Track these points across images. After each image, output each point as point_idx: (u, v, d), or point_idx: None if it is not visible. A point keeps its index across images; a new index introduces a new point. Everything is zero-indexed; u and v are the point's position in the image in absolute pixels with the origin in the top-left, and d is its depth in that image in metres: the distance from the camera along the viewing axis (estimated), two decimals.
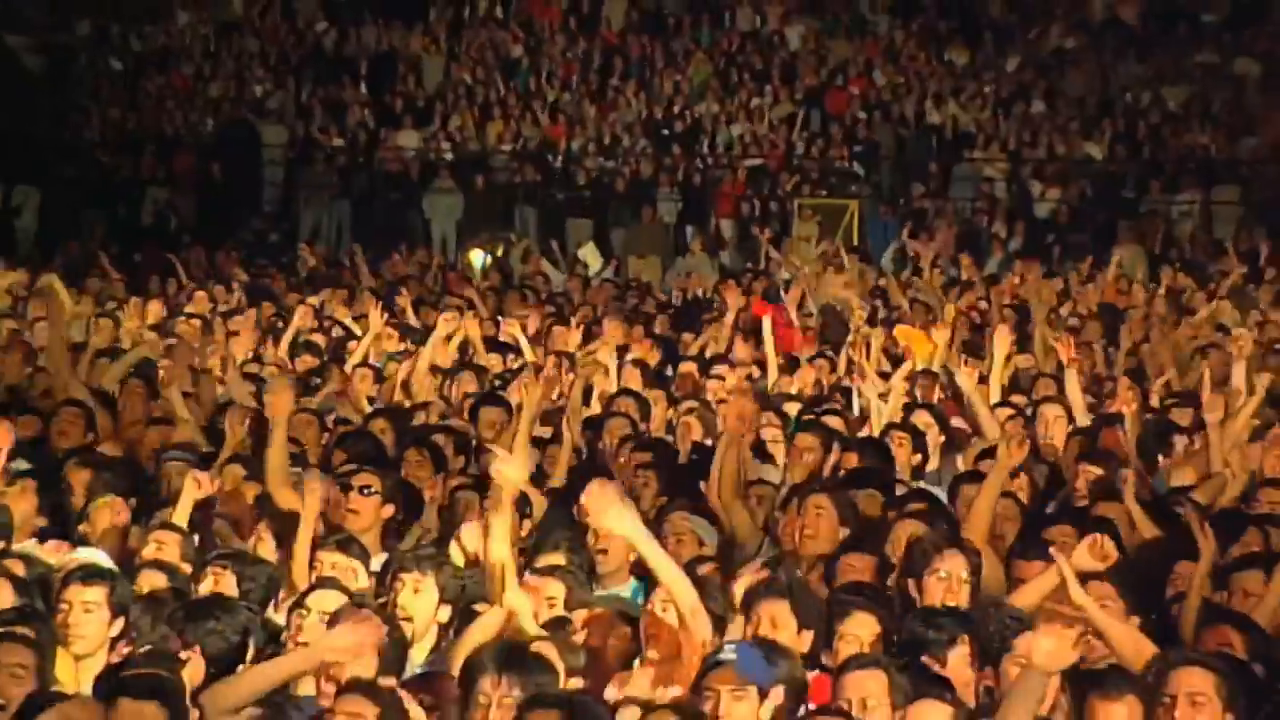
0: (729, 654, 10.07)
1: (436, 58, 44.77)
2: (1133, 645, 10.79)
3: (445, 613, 11.33)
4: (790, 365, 21.58)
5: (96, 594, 11.33)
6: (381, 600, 11.48)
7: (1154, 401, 19.31)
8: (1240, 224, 38.91)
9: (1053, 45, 43.21)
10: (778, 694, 9.69)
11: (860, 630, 10.82)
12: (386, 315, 24.05)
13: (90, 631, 11.10)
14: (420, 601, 11.47)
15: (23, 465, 14.27)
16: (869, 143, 41.96)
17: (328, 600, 10.72)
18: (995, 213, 40.07)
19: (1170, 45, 42.63)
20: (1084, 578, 11.26)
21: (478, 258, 36.90)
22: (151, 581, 11.76)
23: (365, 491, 13.56)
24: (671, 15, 45.14)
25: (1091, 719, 9.80)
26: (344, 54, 45.13)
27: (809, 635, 10.81)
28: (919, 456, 16.45)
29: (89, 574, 11.62)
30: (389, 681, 9.92)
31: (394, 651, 10.34)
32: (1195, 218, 39.36)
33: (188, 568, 12.39)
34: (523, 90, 43.89)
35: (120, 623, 11.29)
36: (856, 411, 18.96)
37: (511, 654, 10.10)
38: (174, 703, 9.50)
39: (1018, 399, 18.91)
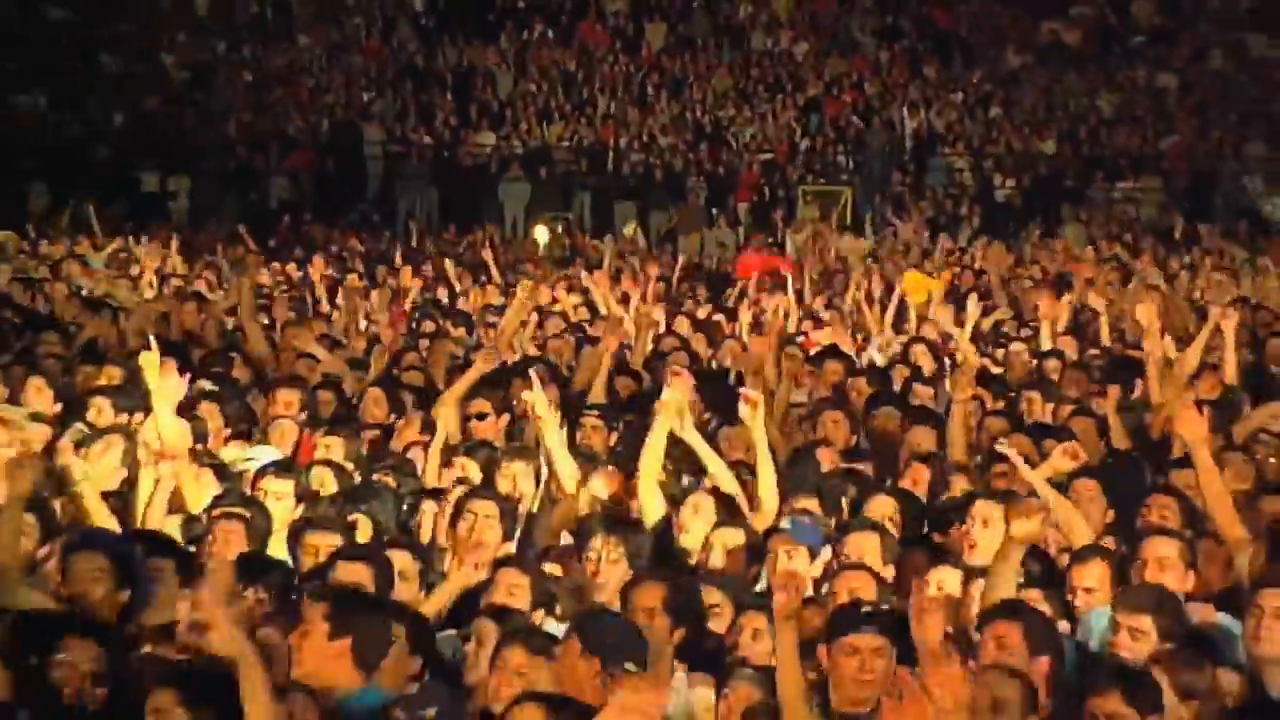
0: (786, 525, 10.43)
1: (507, 72, 44.52)
2: (1080, 524, 10.81)
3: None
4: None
5: (287, 485, 11.46)
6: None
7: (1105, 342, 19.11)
8: (1161, 207, 39.02)
9: (1009, 63, 43.07)
10: (825, 554, 9.90)
11: (882, 509, 10.99)
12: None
13: (280, 516, 11.04)
14: (526, 484, 11.51)
15: (208, 386, 14.13)
16: (859, 141, 41.88)
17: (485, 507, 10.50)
18: (962, 198, 39.99)
19: (1104, 62, 42.52)
20: (1069, 476, 11.44)
21: (542, 233, 36.94)
22: (322, 478, 11.72)
23: (482, 417, 13.54)
24: (700, 37, 44.87)
25: (1072, 580, 9.64)
26: (433, 69, 44.81)
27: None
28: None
29: (281, 468, 11.75)
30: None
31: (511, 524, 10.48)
32: (1125, 202, 39.47)
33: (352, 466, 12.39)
34: (578, 98, 43.62)
35: (301, 507, 11.38)
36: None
37: (613, 520, 10.33)
38: (379, 562, 9.32)
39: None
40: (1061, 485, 11.24)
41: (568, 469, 11.26)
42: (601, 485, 11.47)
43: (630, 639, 8.08)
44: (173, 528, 10.76)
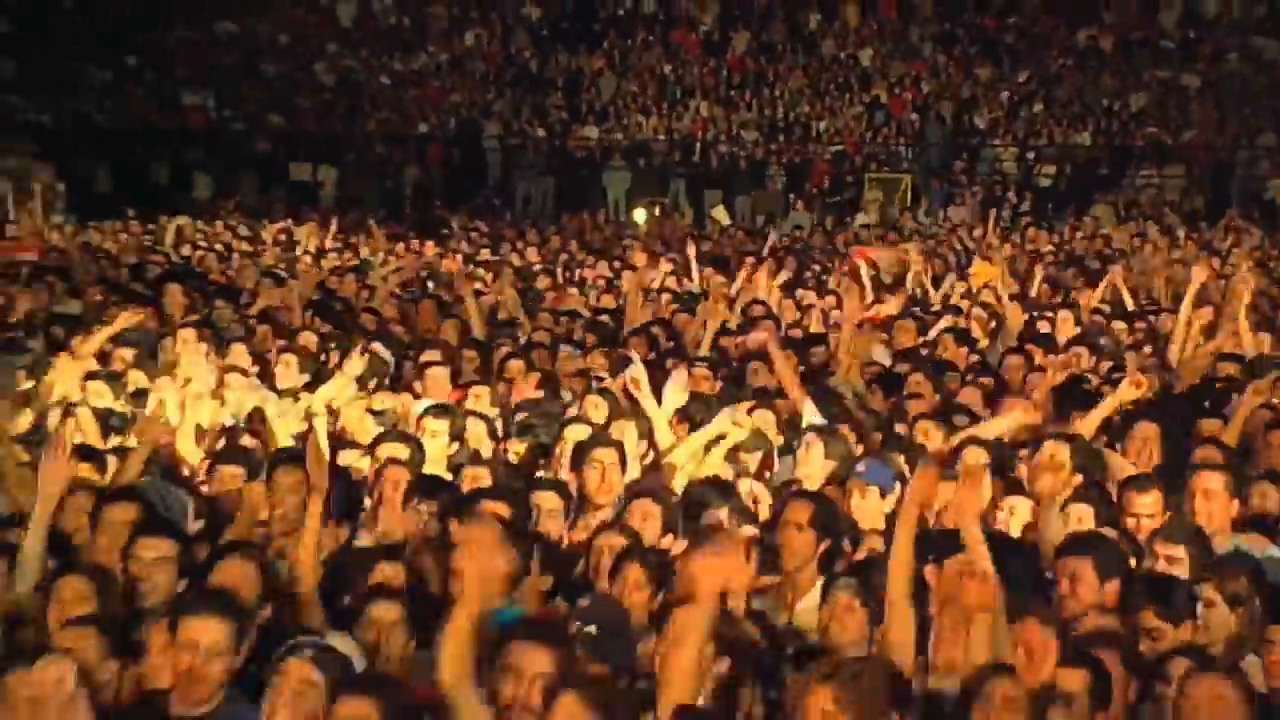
0: (861, 467, 10.08)
1: (610, 74, 44.53)
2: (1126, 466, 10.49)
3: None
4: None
5: (443, 425, 11.36)
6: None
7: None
8: (1183, 192, 38.91)
9: (1050, 65, 42.83)
10: (895, 494, 9.52)
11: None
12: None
13: (436, 455, 10.92)
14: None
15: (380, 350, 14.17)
16: (919, 134, 41.82)
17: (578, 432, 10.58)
18: (1007, 184, 39.97)
19: (1134, 65, 42.28)
20: (1130, 413, 11.47)
21: (640, 215, 37.22)
22: (475, 428, 11.59)
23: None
24: (778, 44, 44.76)
25: (1127, 506, 9.36)
26: (545, 72, 44.91)
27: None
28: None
29: (439, 411, 11.66)
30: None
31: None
32: (1152, 188, 39.43)
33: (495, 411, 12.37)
34: (672, 97, 43.60)
35: (455, 445, 11.29)
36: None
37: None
38: (516, 501, 9.07)
39: None
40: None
41: (663, 424, 11.20)
42: (680, 386, 11.62)
43: None
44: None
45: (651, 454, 11.04)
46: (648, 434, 11.09)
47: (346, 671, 6.71)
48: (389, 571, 8.07)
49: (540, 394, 13.02)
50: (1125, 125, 41.15)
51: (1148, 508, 9.26)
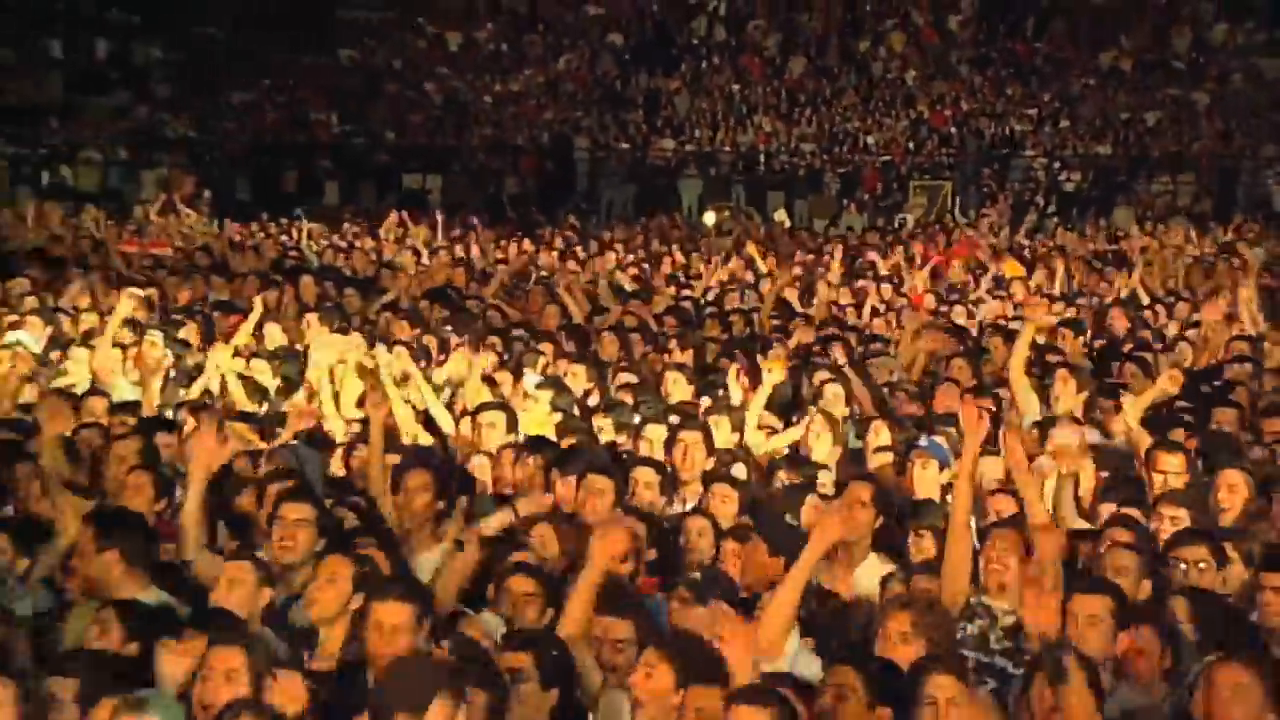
0: (923, 443, 10.14)
1: (685, 93, 44.50)
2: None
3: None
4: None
5: (548, 396, 11.15)
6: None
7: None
8: (1194, 197, 38.79)
9: (1074, 85, 42.69)
10: (952, 469, 9.35)
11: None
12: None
13: (542, 420, 10.75)
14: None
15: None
16: (958, 146, 41.72)
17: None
18: (1037, 190, 39.90)
19: (1150, 84, 42.15)
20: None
21: (710, 217, 37.13)
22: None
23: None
24: (833, 66, 44.65)
25: (1155, 464, 9.30)
26: (627, 93, 44.92)
27: None
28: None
29: (545, 384, 11.60)
30: None
31: None
32: (1166, 194, 39.34)
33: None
34: (738, 113, 43.51)
35: (559, 415, 11.03)
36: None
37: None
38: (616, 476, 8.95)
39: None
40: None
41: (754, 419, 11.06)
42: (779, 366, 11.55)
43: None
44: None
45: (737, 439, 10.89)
46: (739, 426, 10.96)
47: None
48: (524, 551, 8.07)
49: (632, 377, 12.92)
50: (1141, 138, 40.93)
51: (1174, 466, 9.31)
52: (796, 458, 10.30)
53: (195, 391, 11.99)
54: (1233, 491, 9.19)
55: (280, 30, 44.61)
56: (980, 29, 44.67)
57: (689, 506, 9.27)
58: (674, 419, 10.64)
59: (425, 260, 22.17)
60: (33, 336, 14.10)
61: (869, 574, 8.28)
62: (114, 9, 44.39)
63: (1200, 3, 43.23)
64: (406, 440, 10.45)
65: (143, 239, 25.26)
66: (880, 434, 10.64)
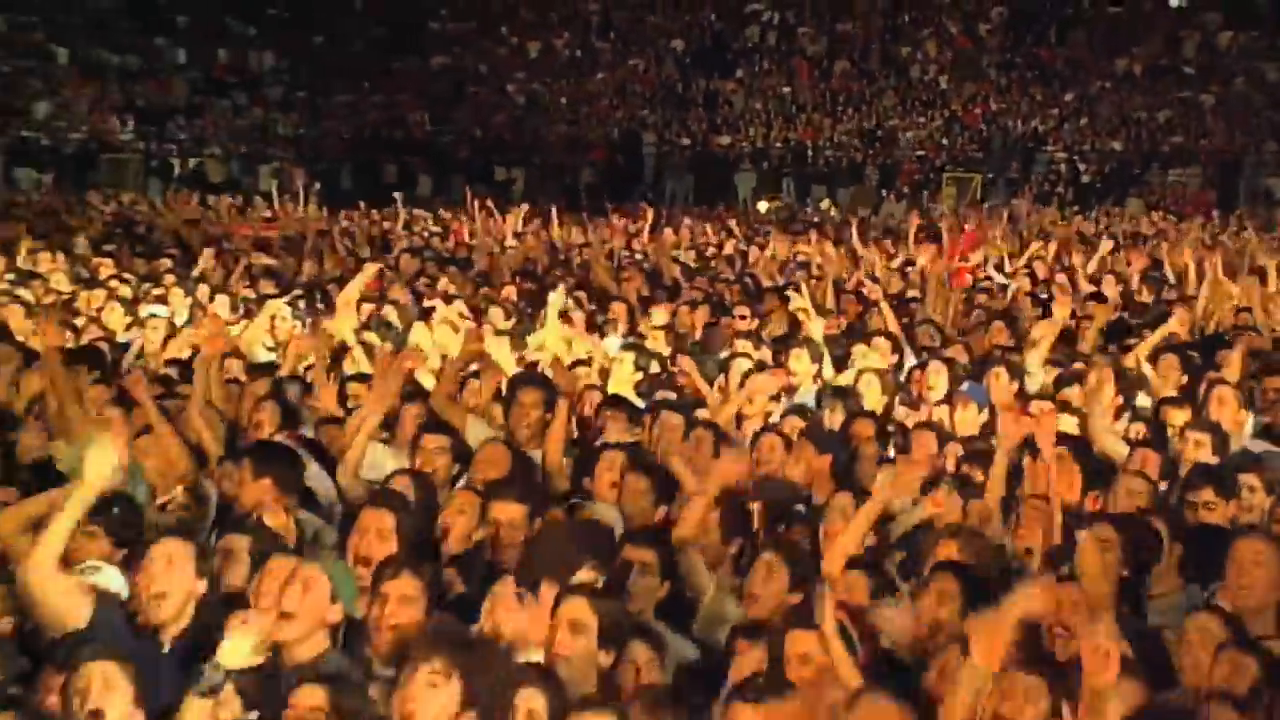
0: (964, 387, 9.98)
1: (740, 94, 44.44)
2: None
3: None
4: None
5: (631, 356, 10.87)
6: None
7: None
8: (1201, 187, 38.90)
9: (1092, 87, 42.70)
10: (987, 411, 9.20)
11: None
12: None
13: (625, 379, 10.46)
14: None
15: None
16: (987, 142, 41.88)
17: None
18: (1058, 182, 40.03)
19: (1161, 86, 41.94)
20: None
21: (763, 206, 37.35)
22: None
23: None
24: (874, 69, 44.69)
25: (1164, 418, 9.04)
26: (688, 94, 44.88)
27: None
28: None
29: (629, 347, 11.35)
30: None
31: None
32: (1176, 185, 39.31)
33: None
34: (788, 112, 43.59)
35: (640, 374, 10.67)
36: None
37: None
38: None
39: None
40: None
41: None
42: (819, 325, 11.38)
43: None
44: None
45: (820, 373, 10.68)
46: (819, 358, 10.77)
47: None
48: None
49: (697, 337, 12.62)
50: (1153, 135, 41.05)
51: (1169, 375, 9.39)
52: (845, 390, 10.09)
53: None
54: (1223, 403, 9.06)
55: (379, 39, 44.86)
56: (1007, 37, 44.61)
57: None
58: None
59: (511, 242, 22.06)
60: (173, 309, 14.05)
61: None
62: (233, 21, 44.84)
63: (1207, 13, 43.08)
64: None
65: (256, 224, 25.44)
66: (938, 375, 10.42)
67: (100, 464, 5.58)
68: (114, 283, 15.18)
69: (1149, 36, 43.32)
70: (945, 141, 42.30)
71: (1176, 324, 11.47)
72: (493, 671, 4.82)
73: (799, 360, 10.56)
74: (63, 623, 5.57)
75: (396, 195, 28.76)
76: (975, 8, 45.06)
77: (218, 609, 5.64)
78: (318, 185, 33.03)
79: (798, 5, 46.29)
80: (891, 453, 8.68)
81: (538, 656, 5.34)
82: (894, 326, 12.15)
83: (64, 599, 5.59)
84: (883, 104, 43.69)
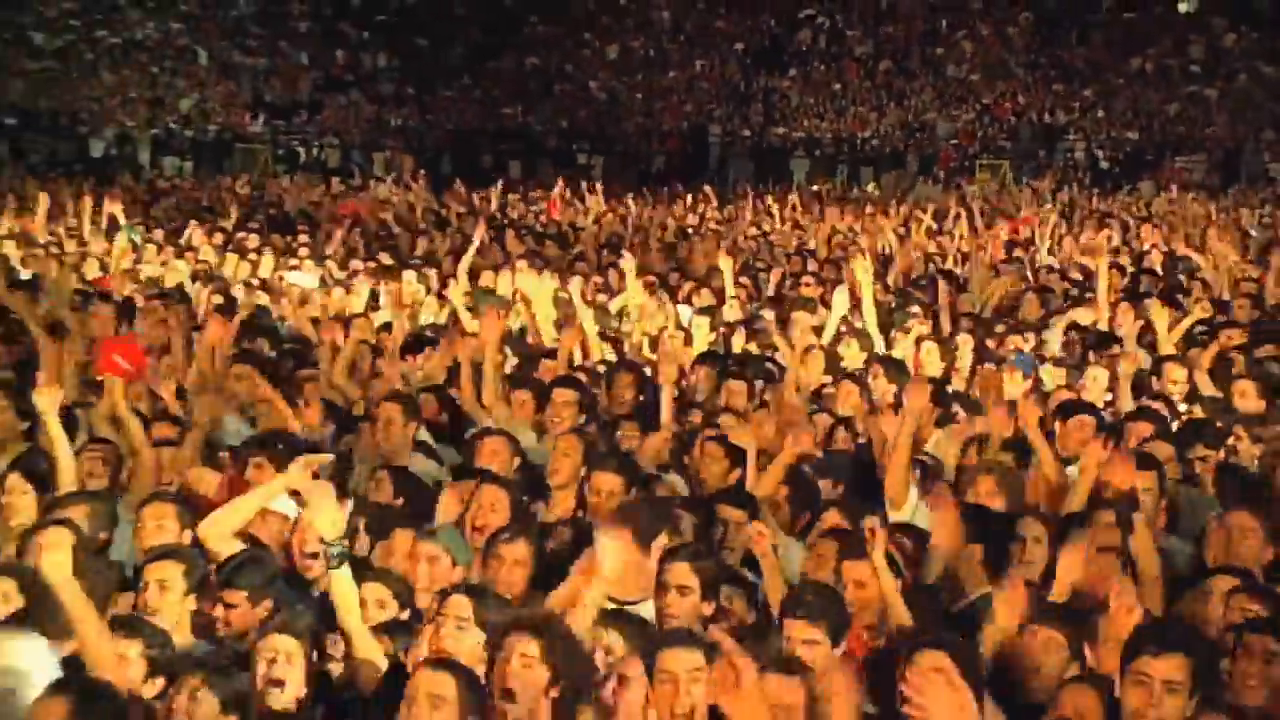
0: (1013, 358, 9.73)
1: (795, 90, 44.28)
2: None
3: None
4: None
5: (705, 320, 10.82)
6: None
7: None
8: (1205, 174, 38.41)
9: (1110, 83, 42.07)
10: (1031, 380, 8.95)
11: None
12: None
13: (701, 342, 10.41)
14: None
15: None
16: (1014, 132, 41.61)
17: None
18: (1078, 169, 39.61)
19: (1171, 83, 41.61)
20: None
21: (814, 188, 37.26)
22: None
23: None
24: (914, 68, 44.14)
25: (1166, 374, 8.93)
26: (749, 90, 44.68)
27: None
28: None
29: (703, 311, 11.30)
30: None
31: None
32: (1184, 170, 38.85)
33: None
34: (838, 106, 43.32)
35: (713, 335, 10.68)
36: None
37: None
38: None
39: None
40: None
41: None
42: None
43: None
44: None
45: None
46: (869, 347, 10.51)
47: None
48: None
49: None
50: (1164, 125, 40.70)
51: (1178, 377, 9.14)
52: (890, 362, 9.90)
53: (442, 318, 12.01)
54: (1244, 396, 8.91)
55: (477, 42, 44.95)
56: (1033, 38, 44.20)
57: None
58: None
59: (591, 221, 22.11)
60: (307, 276, 14.29)
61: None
62: (349, 26, 45.08)
63: (1213, 17, 42.66)
64: (595, 355, 10.17)
65: (370, 204, 25.56)
66: (965, 346, 10.35)
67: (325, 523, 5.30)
68: (254, 254, 15.62)
69: (1160, 38, 42.89)
70: (977, 132, 42.04)
71: (1200, 311, 11.20)
72: (572, 645, 4.73)
73: (849, 348, 10.43)
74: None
75: (499, 181, 28.78)
76: (1005, 13, 44.69)
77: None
78: (423, 171, 33.23)
79: (846, 11, 45.97)
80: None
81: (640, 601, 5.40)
82: (944, 299, 12.01)
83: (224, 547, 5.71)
84: (922, 99, 43.45)
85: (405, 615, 5.47)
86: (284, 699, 4.75)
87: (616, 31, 46.67)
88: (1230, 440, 7.75)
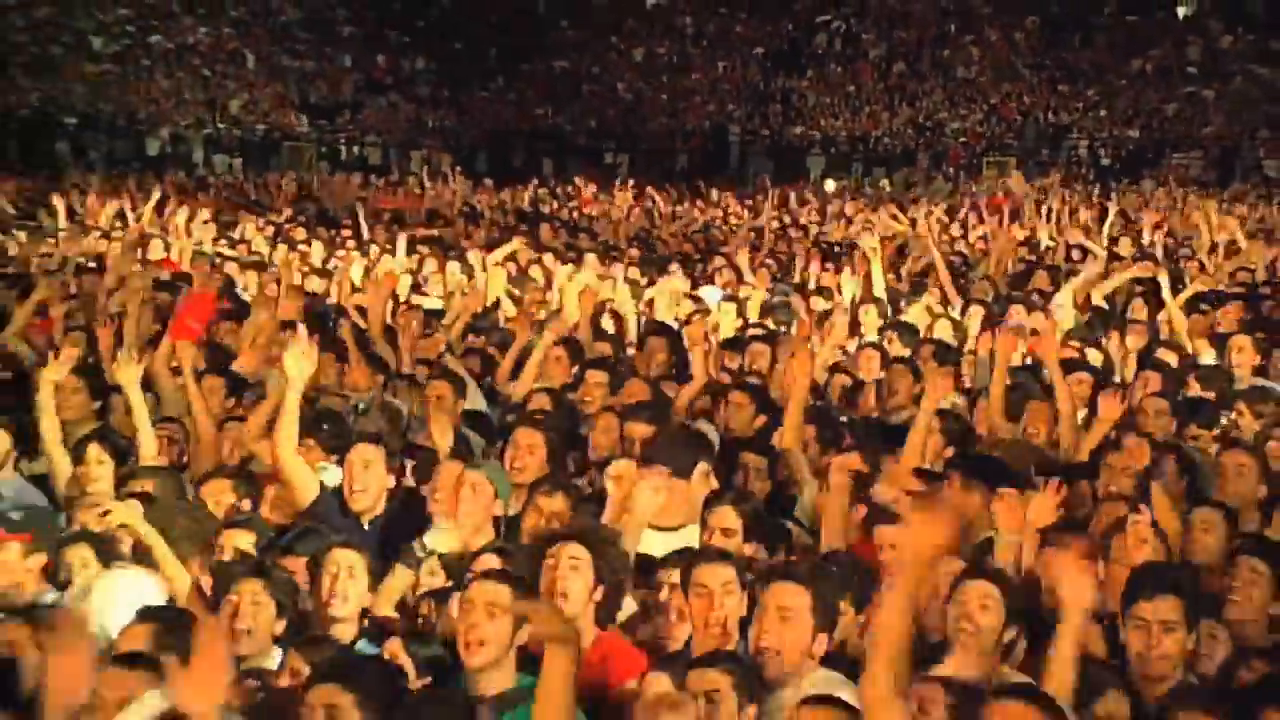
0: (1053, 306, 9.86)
1: (811, 92, 44.15)
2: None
3: None
4: None
5: (732, 306, 10.77)
6: None
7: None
8: (1202, 169, 38.37)
9: (1113, 84, 41.87)
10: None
11: None
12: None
13: (729, 327, 10.19)
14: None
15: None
16: (1021, 131, 41.59)
17: None
18: (1082, 165, 39.67)
19: (1170, 84, 41.45)
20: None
21: (830, 185, 36.94)
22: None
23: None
24: (925, 70, 44.00)
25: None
26: (768, 91, 44.52)
27: None
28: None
29: (729, 298, 11.18)
30: None
31: None
32: (1181, 167, 38.88)
33: None
34: (853, 107, 43.29)
35: (740, 319, 10.58)
36: None
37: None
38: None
39: None
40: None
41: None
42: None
43: None
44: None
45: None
46: (885, 314, 10.68)
47: None
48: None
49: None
50: (1163, 124, 40.67)
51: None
52: (904, 326, 9.93)
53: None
54: (1240, 352, 8.79)
55: (510, 46, 44.97)
56: (1039, 42, 44.22)
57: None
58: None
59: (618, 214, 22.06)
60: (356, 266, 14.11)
61: None
62: (390, 31, 45.16)
63: (1209, 21, 42.55)
64: (632, 335, 10.24)
65: (395, 199, 25.60)
66: (974, 319, 10.36)
67: (295, 366, 5.95)
68: (304, 245, 15.73)
69: (1160, 41, 42.79)
70: (985, 131, 42.06)
71: (1199, 286, 11.11)
72: (616, 552, 4.81)
73: (868, 314, 10.59)
74: (303, 496, 6.01)
75: (535, 179, 28.80)
76: (1011, 18, 44.60)
77: (406, 500, 6.01)
78: (459, 168, 33.38)
79: (861, 15, 45.96)
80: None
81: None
82: (945, 279, 12.07)
83: (302, 476, 6.06)
84: (932, 99, 43.44)
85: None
86: (346, 609, 4.89)
87: (642, 36, 46.69)
88: (1233, 415, 7.71)
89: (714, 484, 5.81)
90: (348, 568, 4.94)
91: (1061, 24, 44.12)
